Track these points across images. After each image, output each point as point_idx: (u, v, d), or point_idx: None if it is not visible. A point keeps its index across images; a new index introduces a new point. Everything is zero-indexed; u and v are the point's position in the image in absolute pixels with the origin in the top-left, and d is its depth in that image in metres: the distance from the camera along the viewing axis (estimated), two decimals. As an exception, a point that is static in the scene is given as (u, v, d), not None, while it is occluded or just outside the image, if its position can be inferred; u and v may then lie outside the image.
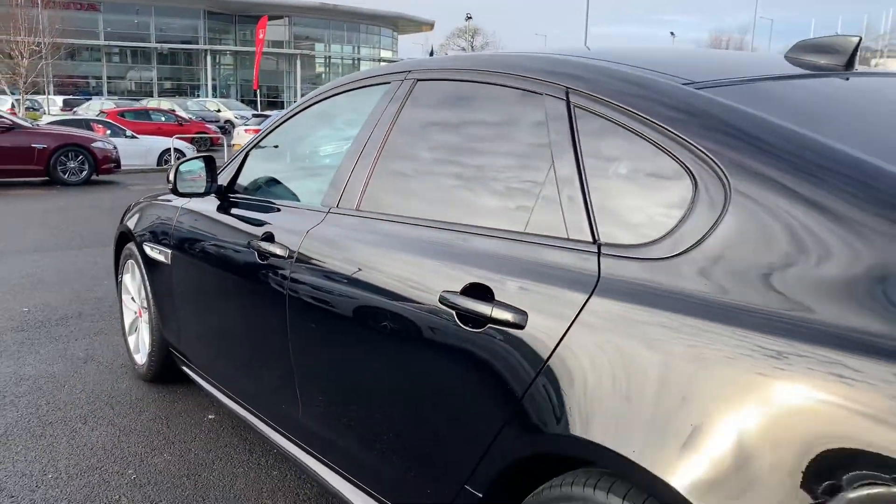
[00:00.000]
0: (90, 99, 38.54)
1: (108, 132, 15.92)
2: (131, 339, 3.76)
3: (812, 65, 1.80)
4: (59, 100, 37.45)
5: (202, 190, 2.80)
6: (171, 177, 2.80)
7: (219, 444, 2.97)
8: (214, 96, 49.69)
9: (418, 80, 2.11)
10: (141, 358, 3.61)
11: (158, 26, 57.09)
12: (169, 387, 3.53)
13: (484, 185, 1.79)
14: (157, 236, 3.19)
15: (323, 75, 64.34)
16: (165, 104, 31.95)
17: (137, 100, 40.08)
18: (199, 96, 49.25)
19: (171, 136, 16.05)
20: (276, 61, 61.10)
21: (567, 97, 1.63)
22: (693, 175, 1.35)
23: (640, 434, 1.23)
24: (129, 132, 16.68)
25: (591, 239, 1.47)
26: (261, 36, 21.02)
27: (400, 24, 70.31)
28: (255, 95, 35.49)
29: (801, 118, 1.40)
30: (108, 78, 56.40)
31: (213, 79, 57.74)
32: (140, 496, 2.55)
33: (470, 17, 64.73)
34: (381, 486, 1.96)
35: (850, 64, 1.77)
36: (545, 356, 1.41)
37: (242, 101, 46.00)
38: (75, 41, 46.21)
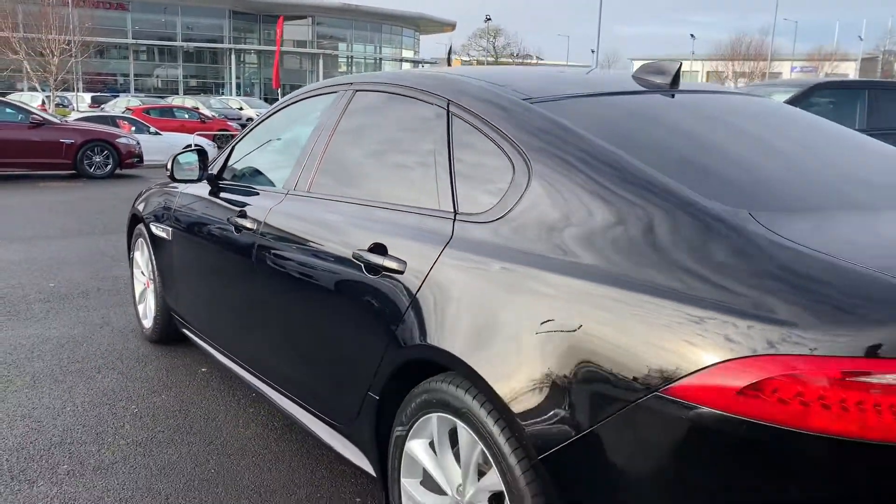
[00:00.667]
0: (118, 96, 39.58)
1: (133, 129, 16.68)
2: (140, 307, 4.38)
3: (647, 82, 2.36)
4: (88, 97, 38.40)
5: (195, 177, 3.41)
6: (170, 166, 3.41)
7: (207, 389, 3.57)
8: (238, 94, 50.74)
9: (357, 90, 2.69)
10: (147, 322, 4.23)
11: (185, 25, 58.25)
12: (170, 346, 4.15)
13: (390, 172, 2.37)
14: (161, 217, 3.80)
15: (346, 74, 65.07)
16: (189, 102, 32.83)
17: (163, 97, 41.08)
18: (223, 94, 50.32)
19: (193, 133, 16.78)
20: (300, 60, 62.01)
21: (447, 107, 2.20)
22: (513, 163, 1.92)
23: (464, 340, 1.80)
24: (152, 129, 17.43)
25: (452, 210, 2.04)
26: (278, 35, 21.68)
27: (421, 24, 71.01)
28: (278, 94, 36.34)
29: (599, 124, 1.96)
30: (136, 75, 57.64)
31: (237, 77, 58.80)
32: (140, 424, 3.16)
33: (489, 19, 65.44)
34: (317, 402, 2.54)
35: (674, 82, 2.32)
36: (415, 290, 1.99)
37: (266, 100, 46.85)
38: (104, 39, 47.27)
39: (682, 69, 2.38)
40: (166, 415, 3.26)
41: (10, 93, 33.33)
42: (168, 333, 4.07)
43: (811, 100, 6.83)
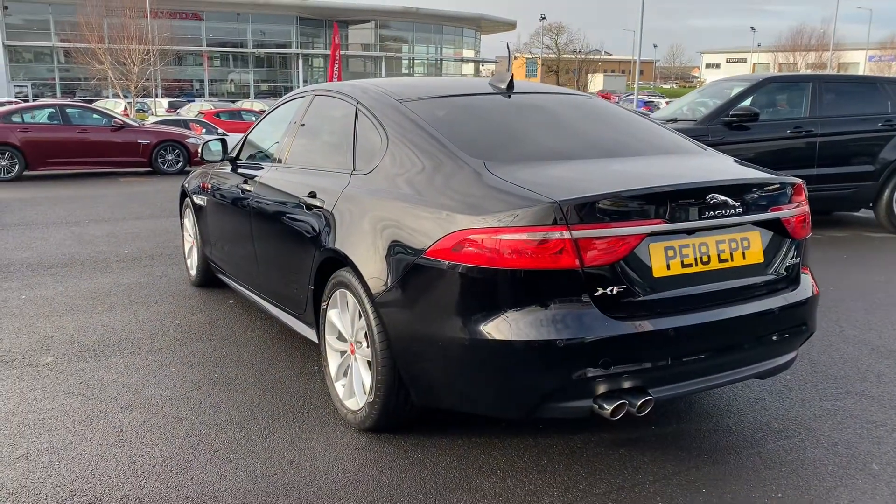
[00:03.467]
0: (193, 101, 42.21)
1: (203, 130, 18.56)
2: (188, 262, 5.81)
3: (494, 87, 3.59)
4: (165, 102, 40.99)
5: (218, 158, 4.79)
6: (200, 150, 4.80)
7: (232, 314, 4.95)
8: (304, 97, 52.81)
9: (315, 95, 4.01)
10: (193, 271, 5.65)
11: (255, 31, 60.96)
12: (209, 289, 5.56)
13: (325, 148, 3.69)
14: (199, 190, 5.21)
15: (408, 75, 66.78)
16: (258, 105, 34.96)
17: (235, 101, 43.53)
18: (290, 97, 52.49)
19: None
20: (364, 63, 64.03)
21: (357, 105, 3.49)
22: (381, 139, 3.18)
23: (348, 242, 3.08)
24: (220, 130, 19.28)
25: (351, 168, 3.33)
26: (334, 42, 23.33)
27: (482, 24, 72.16)
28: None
29: (435, 114, 3.20)
30: (210, 81, 60.71)
31: (305, 80, 61.24)
32: (180, 330, 4.56)
33: (544, 18, 66.36)
34: (287, 301, 3.86)
35: (509, 87, 3.54)
36: (328, 217, 3.28)
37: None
38: (181, 48, 50.07)
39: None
40: (199, 326, 4.66)
41: (96, 100, 36.03)
42: (207, 278, 5.47)
43: (762, 92, 7.79)
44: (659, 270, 2.55)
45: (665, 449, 3.00)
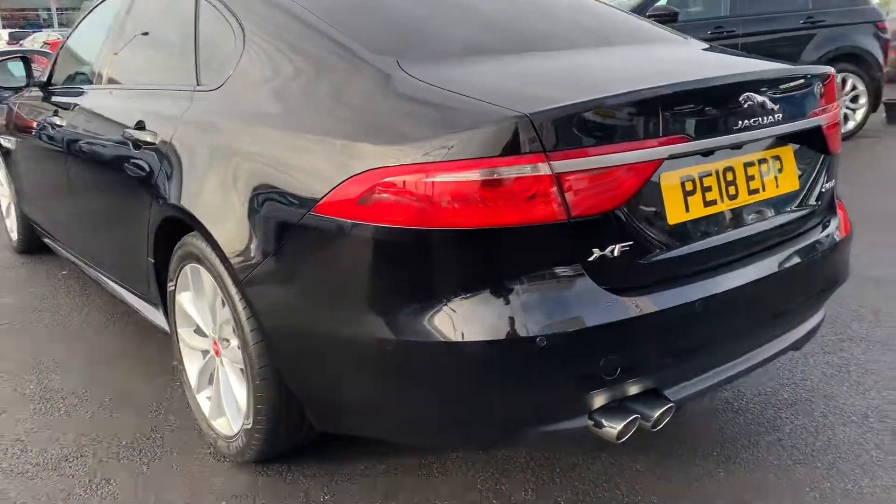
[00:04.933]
0: (39, 31, 37.97)
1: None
2: (7, 222, 4.53)
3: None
4: (6, 33, 36.77)
5: (21, 84, 3.53)
6: (-5, 75, 3.53)
7: (63, 291, 3.79)
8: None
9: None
10: (14, 235, 4.39)
11: (106, -48, 55.35)
12: (37, 255, 4.33)
13: (160, 57, 2.56)
14: (5, 128, 3.92)
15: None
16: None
17: (88, 30, 39.46)
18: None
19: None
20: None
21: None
22: (235, 36, 2.11)
23: (193, 195, 2.04)
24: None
25: (195, 84, 2.25)
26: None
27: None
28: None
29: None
30: (59, 10, 55.01)
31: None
32: (11, 311, 3.40)
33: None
34: (125, 277, 2.78)
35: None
36: (163, 158, 2.21)
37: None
38: (19, -28, 44.88)
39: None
40: (15, 311, 3.49)
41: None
42: (31, 243, 4.24)
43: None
44: (675, 214, 1.68)
45: (663, 452, 2.21)
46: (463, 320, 1.53)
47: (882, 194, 5.22)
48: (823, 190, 2.05)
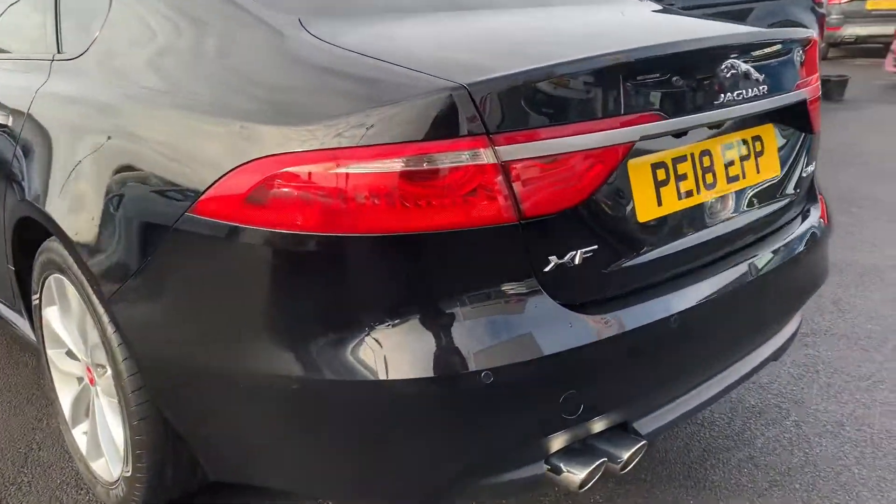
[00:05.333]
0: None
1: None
2: None
3: None
4: None
5: None
6: None
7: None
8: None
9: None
10: None
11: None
12: None
13: (13, 21, 2.11)
14: None
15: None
16: None
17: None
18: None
19: None
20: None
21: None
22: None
23: (47, 190, 1.63)
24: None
25: (55, 52, 1.82)
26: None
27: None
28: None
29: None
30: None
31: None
32: None
33: None
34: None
35: None
36: (17, 138, 1.78)
37: None
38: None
39: None
40: None
41: None
42: None
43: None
44: (646, 209, 1.37)
45: (625, 479, 1.92)
46: (387, 353, 1.19)
47: (825, 174, 5.08)
48: (804, 175, 1.78)
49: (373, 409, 1.23)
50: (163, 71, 1.48)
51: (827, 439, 2.07)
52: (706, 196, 1.48)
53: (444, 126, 1.14)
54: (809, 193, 1.84)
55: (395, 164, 1.15)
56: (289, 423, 1.32)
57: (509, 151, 1.16)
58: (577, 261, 1.25)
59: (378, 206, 1.16)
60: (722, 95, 1.41)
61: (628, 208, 1.33)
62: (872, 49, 11.32)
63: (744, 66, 1.43)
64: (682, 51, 1.36)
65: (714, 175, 1.49)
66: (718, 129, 1.50)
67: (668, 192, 1.40)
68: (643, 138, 1.29)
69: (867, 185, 4.66)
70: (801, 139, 1.75)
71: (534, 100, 1.18)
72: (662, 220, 1.39)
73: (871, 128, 6.51)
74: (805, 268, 1.71)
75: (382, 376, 1.18)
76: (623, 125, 1.25)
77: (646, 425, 1.42)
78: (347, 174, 1.17)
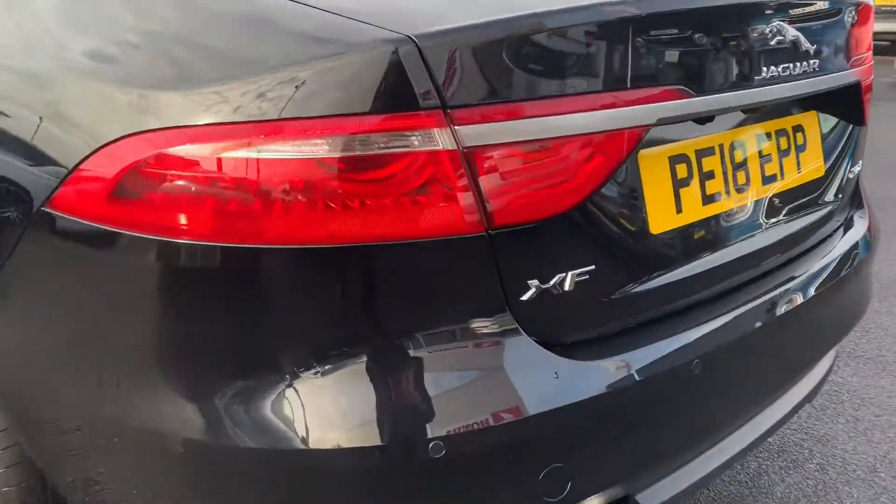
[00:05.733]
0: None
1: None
2: None
3: None
4: None
5: None
6: None
7: None
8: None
9: None
10: None
11: None
12: None
13: None
14: None
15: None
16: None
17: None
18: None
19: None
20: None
21: None
22: None
23: None
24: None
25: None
26: None
27: None
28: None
29: None
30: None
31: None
32: None
33: None
34: None
35: None
36: None
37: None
38: None
39: None
40: None
41: None
42: None
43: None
44: (662, 217, 1.03)
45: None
46: (313, 414, 0.85)
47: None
48: (849, 177, 1.44)
49: (296, 487, 0.89)
50: (18, 12, 1.14)
51: (858, 488, 1.75)
52: (736, 201, 1.14)
53: (384, 96, 0.80)
54: (853, 199, 1.51)
55: (316, 149, 0.81)
56: (183, 495, 0.98)
57: (474, 133, 0.82)
58: (566, 286, 0.91)
59: (297, 207, 0.82)
60: (764, 70, 1.07)
61: (638, 216, 0.99)
62: (880, 46, 11.01)
63: (793, 33, 1.09)
64: (715, 4, 1.02)
65: (747, 174, 1.16)
66: (754, 114, 1.16)
67: (691, 194, 1.06)
68: (660, 122, 0.95)
69: (883, 186, 4.33)
70: (849, 133, 1.41)
71: (511, 62, 0.84)
72: (682, 233, 1.05)
73: (882, 127, 6.19)
74: (851, 290, 1.38)
75: (303, 445, 0.85)
76: (634, 102, 0.92)
77: (652, 497, 1.09)
78: (258, 160, 0.83)
